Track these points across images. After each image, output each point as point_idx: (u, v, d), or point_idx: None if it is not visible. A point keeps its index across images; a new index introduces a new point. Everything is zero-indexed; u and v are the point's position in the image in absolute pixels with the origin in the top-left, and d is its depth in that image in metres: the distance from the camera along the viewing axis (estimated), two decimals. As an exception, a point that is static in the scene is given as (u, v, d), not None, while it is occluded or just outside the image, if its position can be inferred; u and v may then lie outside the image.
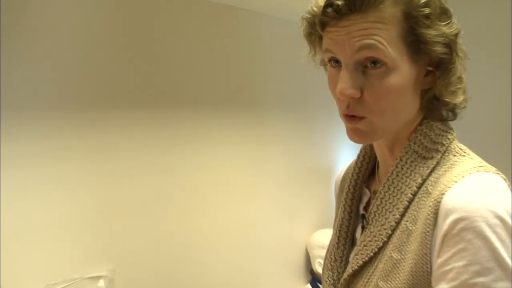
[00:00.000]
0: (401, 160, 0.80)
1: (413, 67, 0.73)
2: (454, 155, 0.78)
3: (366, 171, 0.95)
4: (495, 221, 0.64)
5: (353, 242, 0.93)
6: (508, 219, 0.65)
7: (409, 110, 0.78)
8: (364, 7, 0.71)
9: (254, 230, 1.85)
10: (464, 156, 0.78)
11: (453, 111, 0.80)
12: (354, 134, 0.78)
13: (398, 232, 0.76)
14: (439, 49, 0.73)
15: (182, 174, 1.58)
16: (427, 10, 0.71)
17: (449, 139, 0.80)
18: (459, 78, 0.76)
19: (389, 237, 0.78)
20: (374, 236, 0.80)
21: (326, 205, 1.47)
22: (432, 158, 0.78)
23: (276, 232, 1.95)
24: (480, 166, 0.74)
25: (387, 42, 0.71)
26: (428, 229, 0.70)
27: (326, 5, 0.72)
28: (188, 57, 1.56)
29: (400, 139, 0.82)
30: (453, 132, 0.82)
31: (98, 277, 1.37)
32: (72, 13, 1.27)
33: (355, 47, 0.72)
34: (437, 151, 0.79)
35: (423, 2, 0.71)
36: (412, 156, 0.79)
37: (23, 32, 1.20)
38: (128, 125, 1.44)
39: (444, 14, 0.74)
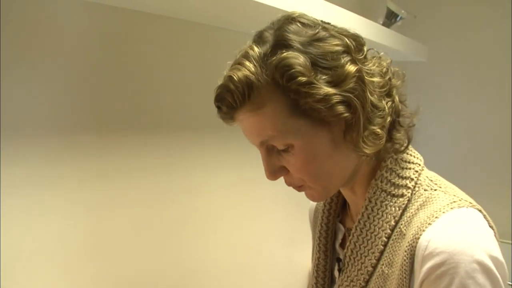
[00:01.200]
0: (370, 201, 0.76)
1: (322, 131, 0.70)
2: (425, 190, 0.74)
3: (337, 205, 0.93)
4: (473, 266, 0.61)
5: (331, 280, 0.91)
6: (487, 261, 0.63)
7: (343, 166, 0.75)
8: (242, 100, 0.69)
9: (255, 256, 1.82)
10: (435, 190, 0.74)
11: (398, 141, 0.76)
12: (307, 196, 0.80)
13: (375, 276, 0.74)
14: (336, 109, 0.67)
15: (181, 201, 1.56)
16: (298, 79, 0.65)
17: (417, 171, 0.76)
18: (379, 112, 0.70)
19: (367, 282, 0.76)
20: (352, 281, 0.78)
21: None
22: (402, 195, 0.75)
23: (278, 257, 1.92)
24: (454, 202, 0.70)
25: (279, 128, 0.68)
26: (404, 274, 0.68)
27: (216, 106, 0.75)
28: (187, 81, 1.55)
29: (359, 179, 0.79)
30: (421, 161, 0.78)
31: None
32: (66, 38, 1.26)
33: (255, 143, 0.73)
34: (407, 187, 0.75)
35: (292, 72, 0.65)
36: (381, 195, 0.76)
37: (20, 54, 1.18)
38: (126, 151, 1.42)
39: (324, 63, 0.66)
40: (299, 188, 0.77)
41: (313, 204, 1.04)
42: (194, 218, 1.61)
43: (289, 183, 0.77)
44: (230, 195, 1.73)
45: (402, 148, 0.76)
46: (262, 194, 1.84)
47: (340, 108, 0.66)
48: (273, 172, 0.74)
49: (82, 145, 1.33)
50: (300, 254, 1.97)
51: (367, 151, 0.70)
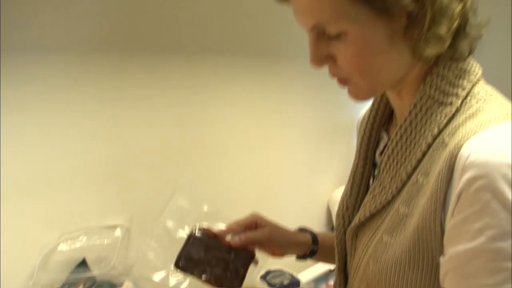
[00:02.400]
0: (415, 106, 0.71)
1: (381, 23, 0.64)
2: (478, 101, 0.69)
3: (384, 113, 0.87)
4: None
5: (367, 190, 0.87)
6: None
7: (395, 65, 0.70)
8: None
9: (274, 186, 1.81)
10: (489, 102, 0.68)
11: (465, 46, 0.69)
12: (349, 94, 0.74)
13: (408, 185, 0.70)
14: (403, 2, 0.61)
15: (200, 125, 1.54)
16: None
17: (471, 81, 0.70)
18: (447, 13, 0.64)
19: (399, 191, 0.72)
20: (383, 188, 0.75)
21: (348, 161, 1.42)
22: (450, 104, 0.69)
23: (297, 188, 1.91)
24: (507, 114, 0.65)
25: (338, 11, 0.63)
26: (441, 184, 0.63)
27: None
28: (206, 1, 1.49)
29: (408, 84, 0.74)
30: (478, 71, 0.71)
31: (115, 226, 1.35)
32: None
33: (307, 25, 0.67)
34: (457, 95, 0.69)
35: None
36: (428, 102, 0.71)
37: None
38: (146, 74, 1.39)
39: None
40: (343, 81, 0.72)
41: (360, 115, 1.00)
42: (213, 144, 1.59)
43: (334, 74, 0.72)
44: (252, 122, 1.69)
45: (462, 57, 0.71)
46: (285, 122, 1.81)
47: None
48: (319, 59, 0.69)
49: (102, 67, 1.30)
50: (321, 187, 1.97)
51: (426, 54, 0.65)
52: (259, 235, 0.97)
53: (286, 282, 1.62)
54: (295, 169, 1.87)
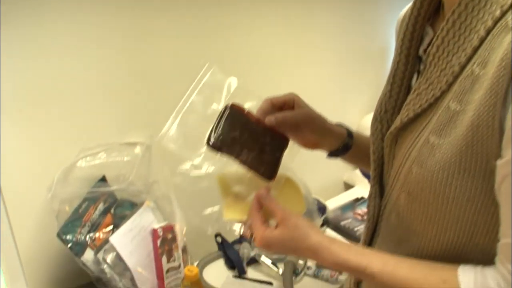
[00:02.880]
0: None
1: None
2: None
3: (429, 6, 0.77)
4: None
5: (408, 91, 0.78)
6: None
7: None
8: None
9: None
10: None
11: None
12: None
13: (461, 78, 0.62)
14: None
15: (224, 38, 1.45)
16: None
17: None
18: None
19: (450, 85, 0.64)
20: (431, 84, 0.67)
21: (379, 87, 1.32)
22: None
23: (327, 108, 1.81)
24: None
25: None
26: (502, 73, 0.55)
27: None
28: None
29: None
30: None
31: (135, 143, 1.30)
32: None
33: None
34: None
35: None
36: None
37: None
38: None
39: None
40: None
41: (401, 14, 0.91)
42: (239, 56, 1.51)
43: None
44: (281, 36, 1.60)
45: None
46: (312, 43, 1.70)
47: None
48: None
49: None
50: (350, 112, 1.87)
51: None
52: (297, 115, 0.91)
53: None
54: (324, 92, 1.77)
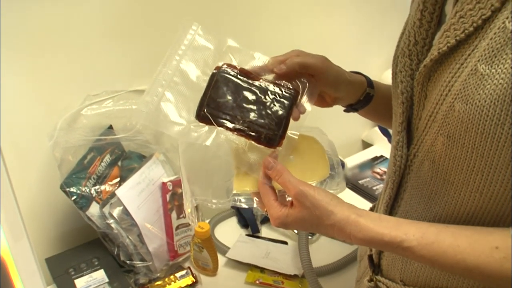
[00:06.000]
0: None
1: None
2: None
3: None
4: None
5: (440, 20, 0.66)
6: None
7: None
8: None
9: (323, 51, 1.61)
10: None
11: None
12: None
13: None
14: None
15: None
16: None
17: None
18: None
19: (504, 2, 0.53)
20: (478, 2, 0.55)
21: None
22: None
23: (344, 61, 1.69)
24: None
25: None
26: None
27: None
28: None
29: None
30: None
31: (143, 91, 1.20)
32: None
33: None
34: None
35: None
36: None
37: None
38: None
39: None
40: None
41: None
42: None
43: None
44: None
45: None
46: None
47: None
48: None
49: None
50: (372, 62, 1.75)
51: None
52: (312, 60, 0.78)
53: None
54: (340, 44, 1.65)
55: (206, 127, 0.73)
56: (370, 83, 0.88)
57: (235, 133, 0.72)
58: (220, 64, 0.75)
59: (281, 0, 1.43)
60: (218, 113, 0.72)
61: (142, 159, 1.22)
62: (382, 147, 1.78)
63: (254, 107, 0.72)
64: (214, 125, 0.72)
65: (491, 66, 0.53)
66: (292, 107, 0.74)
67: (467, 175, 0.60)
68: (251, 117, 0.72)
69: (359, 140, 1.91)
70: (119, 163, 1.20)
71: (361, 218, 0.64)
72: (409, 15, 0.74)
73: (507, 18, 0.52)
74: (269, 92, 0.73)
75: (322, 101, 0.86)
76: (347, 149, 1.81)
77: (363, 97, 0.86)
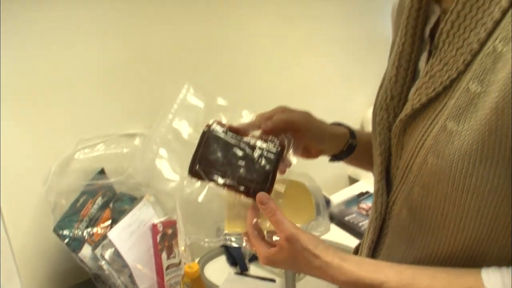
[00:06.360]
0: None
1: None
2: None
3: None
4: None
5: (415, 75, 0.72)
6: None
7: None
8: None
9: (305, 94, 1.67)
10: None
11: None
12: None
13: (481, 56, 0.56)
14: None
15: (228, 23, 1.40)
16: None
17: None
18: None
19: (467, 65, 0.57)
20: (445, 64, 0.60)
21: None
22: None
23: (330, 100, 1.77)
24: None
25: None
26: None
27: None
28: None
29: None
30: None
31: (134, 135, 1.26)
32: None
33: None
34: None
35: None
36: None
37: None
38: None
39: None
40: None
41: None
42: (238, 47, 1.45)
43: None
44: (284, 26, 1.54)
45: None
46: (317, 31, 1.65)
47: None
48: None
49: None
50: (355, 104, 1.82)
51: None
52: (296, 116, 0.83)
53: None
54: (326, 85, 1.72)
55: (199, 182, 0.78)
56: (352, 133, 0.93)
57: (226, 188, 0.76)
58: (210, 122, 0.80)
59: (266, 56, 1.51)
60: (209, 169, 0.76)
61: (133, 201, 1.26)
62: (369, 183, 1.82)
63: (243, 163, 0.76)
64: (206, 180, 0.76)
65: (458, 124, 0.58)
66: (278, 162, 0.78)
67: (442, 222, 0.64)
68: (240, 172, 0.76)
69: (346, 176, 1.96)
70: (111, 205, 1.23)
71: (345, 263, 0.68)
72: (386, 69, 0.80)
73: (470, 80, 0.58)
74: (256, 148, 0.77)
75: (308, 153, 0.91)
76: (333, 185, 1.85)
77: (346, 147, 0.91)
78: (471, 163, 0.57)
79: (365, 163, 0.95)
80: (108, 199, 1.24)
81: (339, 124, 0.94)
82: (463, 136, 0.57)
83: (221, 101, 0.84)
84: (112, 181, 1.20)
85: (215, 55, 1.40)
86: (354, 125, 1.87)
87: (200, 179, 0.77)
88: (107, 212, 1.22)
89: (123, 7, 1.19)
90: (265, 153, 0.77)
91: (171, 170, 0.80)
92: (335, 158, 0.94)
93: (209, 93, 0.84)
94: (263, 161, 0.76)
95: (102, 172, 1.23)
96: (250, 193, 0.76)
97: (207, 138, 0.78)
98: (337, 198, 1.74)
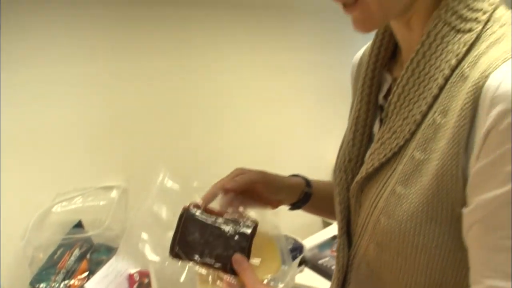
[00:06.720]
0: (428, 36, 0.63)
1: None
2: (501, 26, 0.60)
3: (386, 52, 0.77)
4: None
5: (370, 139, 0.78)
6: None
7: None
8: None
9: (279, 146, 1.74)
10: None
11: None
12: (355, 24, 0.66)
13: (423, 126, 0.62)
14: None
15: (203, 79, 1.47)
16: None
17: (493, 3, 0.61)
18: None
19: (412, 134, 0.64)
20: (394, 133, 0.66)
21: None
22: (469, 31, 0.61)
23: (303, 150, 1.84)
24: None
25: None
26: (463, 122, 0.56)
27: None
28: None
29: (419, 10, 0.65)
30: None
31: (111, 187, 1.30)
32: None
33: None
34: (477, 21, 0.61)
35: None
36: (444, 29, 0.62)
37: None
38: (146, 24, 1.32)
39: None
40: (350, 6, 0.64)
41: (356, 57, 0.92)
42: (217, 98, 1.52)
43: None
44: (258, 80, 1.63)
45: None
46: (291, 83, 1.73)
47: None
48: None
49: (93, 18, 1.23)
50: (328, 151, 1.88)
51: None
52: (253, 176, 0.88)
53: (289, 247, 1.57)
54: (301, 133, 1.80)
55: (180, 262, 0.82)
56: (308, 183, 0.98)
57: (204, 266, 0.80)
58: (187, 204, 0.84)
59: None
60: (188, 250, 0.80)
61: (110, 251, 1.28)
62: (341, 225, 1.87)
63: (219, 242, 0.80)
64: (186, 260, 0.81)
65: (406, 188, 0.64)
66: (253, 237, 0.82)
67: (396, 276, 0.69)
68: (217, 251, 0.80)
69: (319, 219, 2.01)
70: (88, 256, 1.26)
71: None
72: (346, 130, 0.86)
73: (415, 148, 0.64)
74: (231, 226, 0.81)
75: (268, 205, 0.96)
76: (307, 228, 1.90)
77: (302, 196, 0.96)
78: (418, 223, 0.63)
79: (324, 212, 1.00)
80: (85, 250, 1.26)
81: (296, 176, 1.00)
82: (410, 199, 0.63)
83: (196, 184, 0.90)
84: (90, 234, 1.23)
85: (189, 109, 1.46)
86: (328, 170, 1.95)
87: (181, 260, 0.81)
88: (84, 264, 1.24)
89: (102, 67, 1.25)
90: (239, 230, 0.81)
91: (153, 252, 0.85)
92: (293, 206, 0.99)
93: (184, 176, 0.90)
94: (238, 238, 0.80)
95: (79, 224, 1.26)
96: (227, 269, 0.79)
97: (185, 220, 0.82)
98: (311, 241, 1.79)
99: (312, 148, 1.88)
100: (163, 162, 1.33)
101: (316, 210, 1.02)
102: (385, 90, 0.77)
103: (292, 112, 1.77)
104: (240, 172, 0.90)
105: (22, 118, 1.16)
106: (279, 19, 1.64)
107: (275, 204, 0.96)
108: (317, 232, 1.88)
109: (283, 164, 1.78)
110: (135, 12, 1.29)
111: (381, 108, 0.77)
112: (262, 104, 1.66)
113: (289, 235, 1.65)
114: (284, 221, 1.08)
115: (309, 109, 1.83)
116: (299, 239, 1.68)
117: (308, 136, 1.84)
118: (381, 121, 0.76)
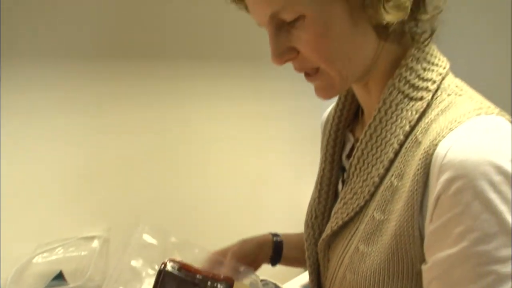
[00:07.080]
0: (384, 103, 0.67)
1: (337, 2, 0.61)
2: (449, 95, 0.65)
3: (349, 113, 0.82)
4: (499, 178, 0.53)
5: (336, 195, 0.82)
6: None
7: (362, 48, 0.66)
8: None
9: (260, 192, 1.78)
10: (461, 96, 0.65)
11: (417, 25, 0.66)
12: (317, 91, 0.69)
13: (382, 188, 0.66)
14: None
15: (182, 130, 1.51)
16: None
17: (441, 73, 0.67)
18: None
19: (372, 195, 0.68)
20: (355, 194, 0.70)
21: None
22: (421, 99, 0.65)
23: (283, 194, 1.87)
24: (481, 108, 0.61)
25: None
26: (416, 187, 0.60)
27: None
28: (188, 7, 1.47)
29: (376, 76, 0.70)
30: (446, 64, 0.68)
31: (93, 237, 1.31)
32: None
33: (264, 16, 0.63)
34: (427, 90, 0.66)
35: None
36: (398, 97, 0.66)
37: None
38: (125, 78, 1.36)
39: None
40: (311, 75, 0.68)
41: (324, 116, 0.97)
42: (198, 148, 1.56)
43: (300, 68, 0.68)
44: (238, 128, 1.67)
45: (424, 37, 0.68)
46: (270, 130, 1.78)
47: None
48: (281, 53, 0.65)
49: (72, 73, 1.27)
50: (307, 194, 1.93)
51: (388, 18, 0.61)
52: (230, 247, 0.93)
53: (269, 292, 1.58)
54: (282, 175, 1.84)
55: None
56: (275, 234, 1.01)
57: None
58: (165, 260, 0.85)
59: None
60: None
61: (91, 301, 1.29)
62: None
63: None
64: None
65: (368, 246, 0.67)
66: None
67: None
68: None
69: (300, 262, 2.03)
70: (68, 308, 1.26)
71: None
72: (313, 189, 0.90)
73: (375, 209, 0.67)
74: (208, 284, 0.83)
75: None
76: (287, 272, 1.91)
77: (274, 246, 0.99)
78: (381, 279, 0.66)
79: (303, 262, 1.04)
80: (66, 302, 1.27)
81: (268, 234, 1.03)
82: (372, 256, 0.67)
83: (174, 239, 0.93)
84: (71, 286, 1.23)
85: (171, 157, 1.49)
86: (302, 214, 1.97)
87: None
88: (64, 316, 1.24)
89: (82, 119, 1.29)
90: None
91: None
92: (273, 261, 1.01)
93: (162, 231, 0.92)
94: None
95: (60, 275, 1.27)
96: None
97: (163, 276, 0.83)
98: (291, 286, 1.80)
99: (287, 193, 1.91)
100: (143, 212, 1.38)
101: (295, 261, 1.04)
102: (347, 149, 0.81)
103: (269, 157, 1.81)
104: (217, 259, 0.92)
105: (2, 170, 1.17)
106: (255, 70, 1.70)
107: (257, 265, 0.99)
108: (297, 276, 1.89)
109: (263, 206, 1.81)
110: (115, 65, 1.34)
111: (343, 169, 0.81)
112: (241, 152, 1.70)
113: (268, 280, 1.67)
114: (264, 265, 1.11)
115: (283, 154, 1.87)
116: (279, 284, 1.70)
117: (283, 181, 1.87)
118: (343, 182, 0.80)
